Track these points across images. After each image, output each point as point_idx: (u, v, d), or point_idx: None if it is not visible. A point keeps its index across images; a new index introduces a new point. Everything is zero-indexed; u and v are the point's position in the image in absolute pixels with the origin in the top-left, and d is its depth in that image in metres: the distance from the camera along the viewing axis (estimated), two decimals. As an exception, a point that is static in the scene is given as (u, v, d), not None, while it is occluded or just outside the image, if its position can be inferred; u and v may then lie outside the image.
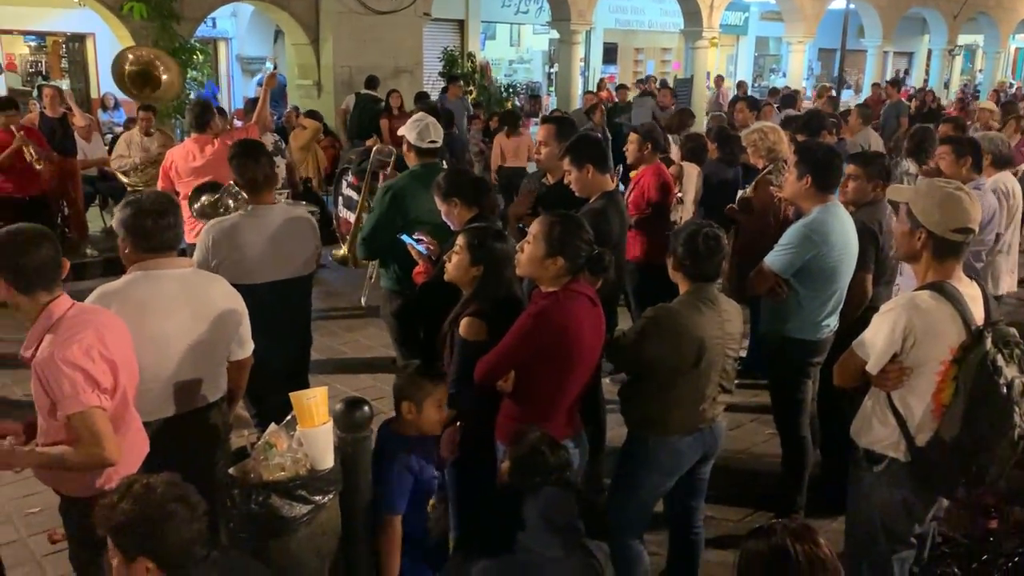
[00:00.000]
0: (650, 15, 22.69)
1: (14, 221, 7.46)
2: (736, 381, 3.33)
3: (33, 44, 16.97)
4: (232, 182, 4.45)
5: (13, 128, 7.35)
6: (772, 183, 5.06)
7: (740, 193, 5.40)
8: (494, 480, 2.78)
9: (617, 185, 4.76)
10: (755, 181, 5.29)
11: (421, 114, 4.93)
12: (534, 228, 2.97)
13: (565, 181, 4.20)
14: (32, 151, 7.44)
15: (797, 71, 21.04)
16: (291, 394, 2.42)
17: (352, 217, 6.01)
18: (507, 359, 2.93)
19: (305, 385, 4.43)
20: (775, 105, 11.39)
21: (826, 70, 26.34)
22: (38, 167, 7.48)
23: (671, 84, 16.65)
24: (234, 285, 3.23)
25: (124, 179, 8.56)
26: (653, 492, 3.25)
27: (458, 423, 3.05)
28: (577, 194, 4.18)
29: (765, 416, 4.86)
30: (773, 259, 3.85)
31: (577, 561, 2.33)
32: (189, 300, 3.00)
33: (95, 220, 9.70)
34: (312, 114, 11.18)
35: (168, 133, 8.78)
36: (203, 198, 5.00)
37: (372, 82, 12.08)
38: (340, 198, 6.55)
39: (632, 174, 5.79)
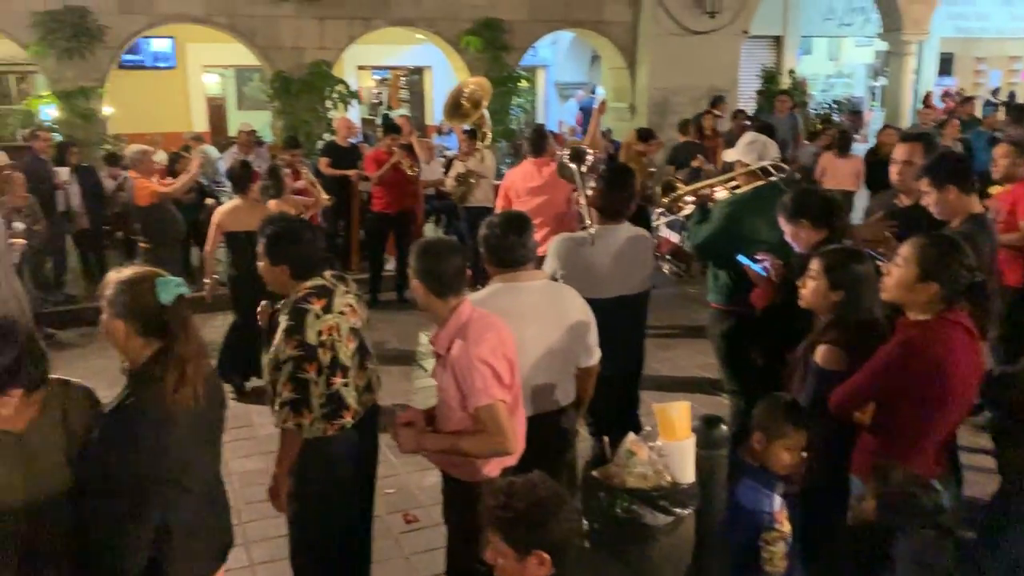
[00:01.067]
0: (997, 21, 20.35)
1: (386, 233, 8.46)
2: None
3: (377, 78, 19.21)
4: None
5: (395, 148, 8.37)
6: None
7: None
8: (845, 516, 2.64)
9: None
10: None
11: (753, 134, 4.85)
12: (905, 250, 2.79)
13: (923, 203, 3.91)
14: (408, 163, 8.45)
15: None
16: (655, 406, 2.48)
17: (675, 237, 6.06)
18: (867, 390, 2.77)
19: (636, 398, 4.54)
20: None
21: None
22: (412, 173, 8.46)
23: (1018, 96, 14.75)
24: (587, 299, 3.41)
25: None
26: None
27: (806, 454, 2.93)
28: (936, 216, 3.87)
29: None
30: None
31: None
32: (546, 310, 3.23)
33: (430, 234, 10.73)
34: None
35: (491, 155, 9.44)
36: None
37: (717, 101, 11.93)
38: (663, 219, 6.62)
39: (993, 190, 5.23)
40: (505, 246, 3.16)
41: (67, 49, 10.13)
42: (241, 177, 6.30)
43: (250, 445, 5.48)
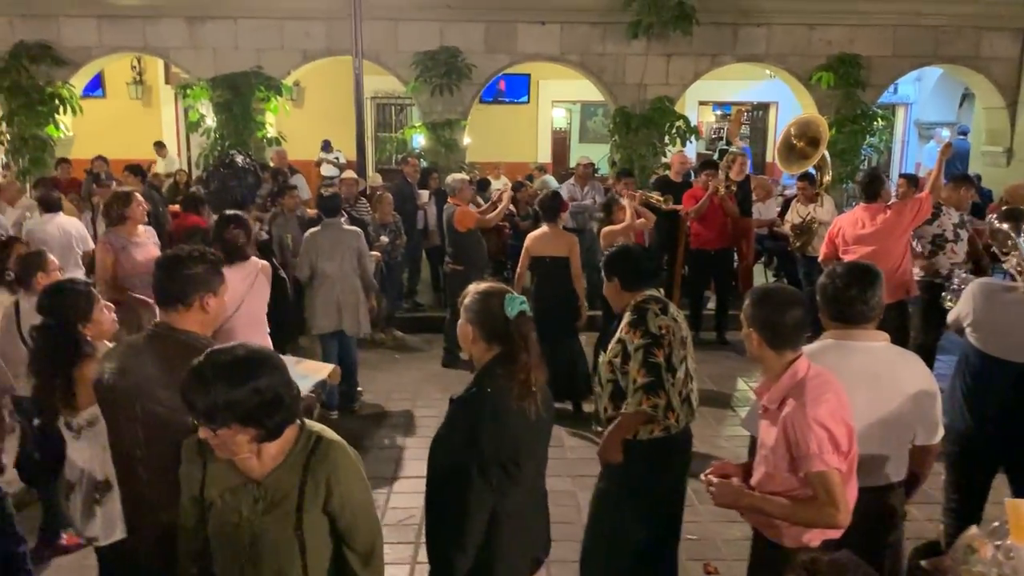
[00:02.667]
0: None
1: (707, 271, 8.29)
2: None
3: (718, 113, 19.03)
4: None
5: (712, 184, 8.20)
6: None
7: None
8: None
9: None
10: None
11: None
12: None
13: None
14: (726, 202, 8.23)
15: None
16: (1008, 501, 2.14)
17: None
18: None
19: None
20: None
21: None
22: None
23: None
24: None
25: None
26: None
27: None
28: None
29: None
30: None
31: None
32: (881, 375, 2.91)
33: (759, 275, 10.32)
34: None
35: (830, 200, 8.82)
36: None
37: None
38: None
39: None
40: (845, 299, 2.95)
41: (439, 85, 11.32)
42: (551, 207, 6.70)
43: (560, 465, 5.62)
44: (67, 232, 6.64)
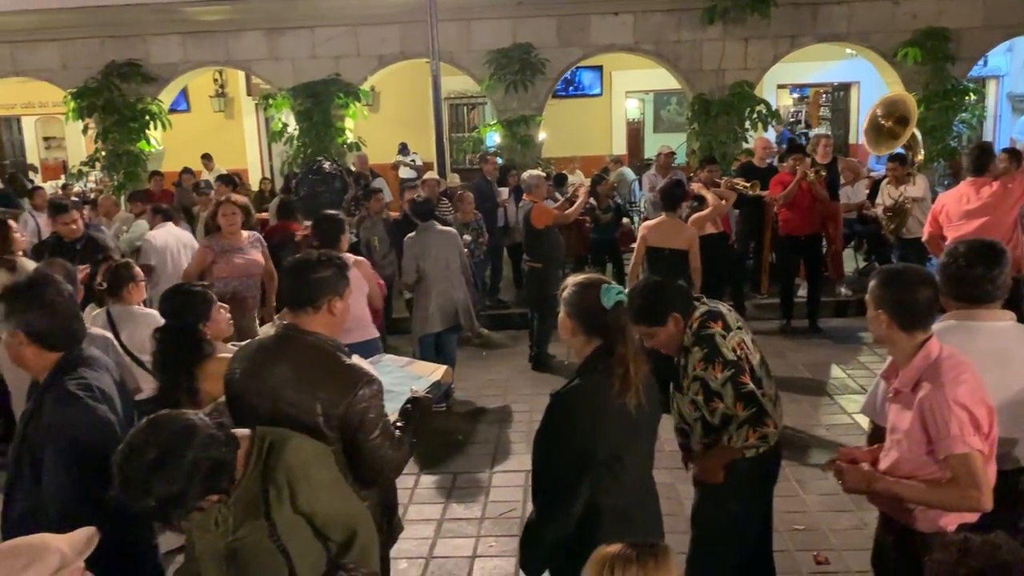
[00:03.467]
0: None
1: (796, 258, 8.07)
2: None
3: (796, 96, 18.53)
4: None
5: (799, 168, 7.97)
6: None
7: None
8: None
9: None
10: None
11: None
12: None
13: None
14: (816, 186, 8.01)
15: None
16: None
17: None
18: None
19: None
20: None
21: None
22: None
23: None
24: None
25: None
26: None
27: None
28: None
29: None
30: None
31: None
32: (1005, 357, 2.81)
33: (849, 260, 10.04)
34: None
35: (923, 178, 8.49)
36: None
37: None
38: None
39: None
40: (969, 278, 2.85)
41: (513, 82, 11.35)
42: (672, 195, 6.57)
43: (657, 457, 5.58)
44: (179, 239, 6.92)
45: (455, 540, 4.62)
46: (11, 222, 5.65)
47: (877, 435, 2.89)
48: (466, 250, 7.70)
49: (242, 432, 2.22)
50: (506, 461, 5.62)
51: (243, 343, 3.31)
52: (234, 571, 2.19)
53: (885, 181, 8.55)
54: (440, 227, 6.68)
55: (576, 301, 2.56)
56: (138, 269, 4.63)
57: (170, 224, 7.01)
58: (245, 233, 5.94)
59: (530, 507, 4.20)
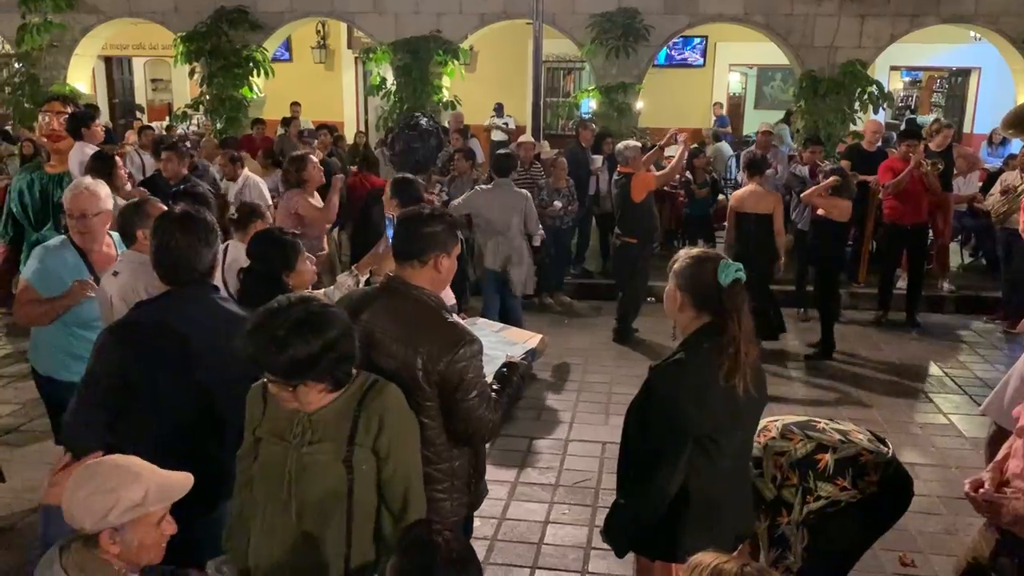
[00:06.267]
0: None
1: (899, 247, 7.75)
2: None
3: (907, 80, 17.65)
4: None
5: (913, 156, 7.58)
6: None
7: None
8: None
9: None
10: None
11: None
12: None
13: None
14: (929, 174, 7.64)
15: None
16: None
17: None
18: None
19: None
20: None
21: None
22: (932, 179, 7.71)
23: None
24: None
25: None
26: None
27: None
28: None
29: None
30: None
31: None
32: None
33: (954, 255, 9.56)
34: None
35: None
36: None
37: None
38: None
39: None
40: None
41: (615, 48, 11.11)
42: (756, 164, 7.18)
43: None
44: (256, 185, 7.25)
45: (528, 504, 4.61)
46: (117, 157, 5.82)
47: (999, 439, 2.71)
48: (556, 216, 7.62)
49: None
50: (583, 431, 5.58)
51: (334, 291, 3.32)
52: (294, 488, 2.19)
53: (1009, 168, 8.12)
54: (515, 188, 6.75)
55: (691, 274, 2.47)
56: (267, 212, 4.83)
57: (246, 170, 7.40)
58: None
59: (606, 478, 4.15)
